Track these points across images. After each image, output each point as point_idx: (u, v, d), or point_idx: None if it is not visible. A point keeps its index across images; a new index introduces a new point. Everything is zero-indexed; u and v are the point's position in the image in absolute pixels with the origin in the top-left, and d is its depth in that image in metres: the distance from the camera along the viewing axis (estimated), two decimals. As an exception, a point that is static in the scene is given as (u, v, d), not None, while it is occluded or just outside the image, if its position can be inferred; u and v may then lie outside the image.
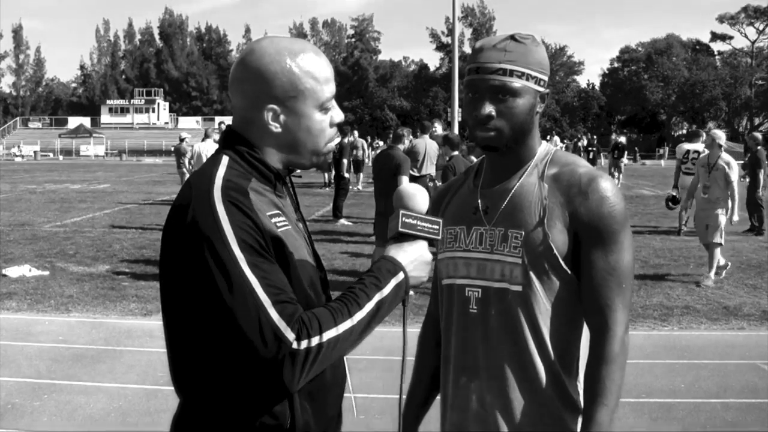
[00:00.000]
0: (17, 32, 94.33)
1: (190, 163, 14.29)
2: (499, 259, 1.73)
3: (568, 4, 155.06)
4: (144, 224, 13.80)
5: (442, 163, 9.60)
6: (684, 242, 11.26)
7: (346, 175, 15.33)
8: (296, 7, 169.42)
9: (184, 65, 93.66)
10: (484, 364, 1.76)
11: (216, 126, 18.18)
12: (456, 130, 22.59)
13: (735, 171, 8.37)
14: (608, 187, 1.70)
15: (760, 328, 6.66)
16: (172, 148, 23.86)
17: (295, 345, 1.37)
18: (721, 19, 77.46)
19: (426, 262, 1.57)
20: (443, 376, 1.88)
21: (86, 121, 72.38)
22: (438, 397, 1.95)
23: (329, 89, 1.57)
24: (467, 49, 75.80)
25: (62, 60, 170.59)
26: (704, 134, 13.68)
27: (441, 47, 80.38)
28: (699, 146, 12.67)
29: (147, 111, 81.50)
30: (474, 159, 9.09)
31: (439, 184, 9.87)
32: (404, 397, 1.62)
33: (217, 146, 1.65)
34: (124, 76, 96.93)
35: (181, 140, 16.71)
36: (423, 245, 1.57)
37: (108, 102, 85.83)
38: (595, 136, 35.73)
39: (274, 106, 1.52)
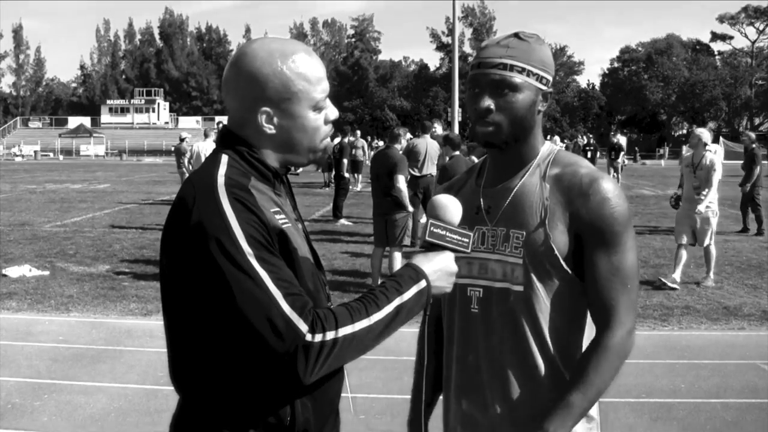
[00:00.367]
0: (17, 32, 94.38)
1: (189, 162, 14.29)
2: (500, 259, 1.73)
3: (568, 4, 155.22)
4: (144, 224, 13.80)
5: (442, 163, 9.60)
6: (684, 242, 11.25)
7: (346, 175, 15.33)
8: (296, 7, 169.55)
9: (184, 65, 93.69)
10: (485, 364, 1.76)
11: (216, 126, 18.19)
12: (456, 130, 22.61)
13: (718, 171, 8.15)
14: (610, 188, 1.69)
15: (760, 328, 6.66)
16: (173, 148, 23.86)
17: (309, 337, 1.37)
18: (721, 19, 77.53)
19: (450, 273, 1.56)
20: (446, 376, 1.88)
21: (86, 121, 72.40)
22: (440, 397, 1.96)
23: (322, 89, 1.57)
24: (467, 49, 76.05)
25: (62, 60, 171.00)
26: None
27: (441, 47, 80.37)
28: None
29: (147, 111, 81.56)
30: (475, 159, 9.10)
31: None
32: (424, 398, 1.62)
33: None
34: (124, 76, 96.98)
35: (182, 140, 16.71)
36: (449, 256, 1.57)
37: (108, 102, 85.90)
38: (591, 136, 35.64)
39: (268, 109, 1.53)
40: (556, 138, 31.53)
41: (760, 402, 4.81)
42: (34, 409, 4.61)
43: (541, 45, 1.76)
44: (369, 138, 36.83)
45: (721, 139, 44.94)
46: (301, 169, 29.27)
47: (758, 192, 13.01)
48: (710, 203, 8.13)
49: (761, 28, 76.72)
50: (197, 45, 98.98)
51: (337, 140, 18.40)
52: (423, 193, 10.13)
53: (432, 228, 1.56)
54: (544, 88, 1.75)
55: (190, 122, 73.25)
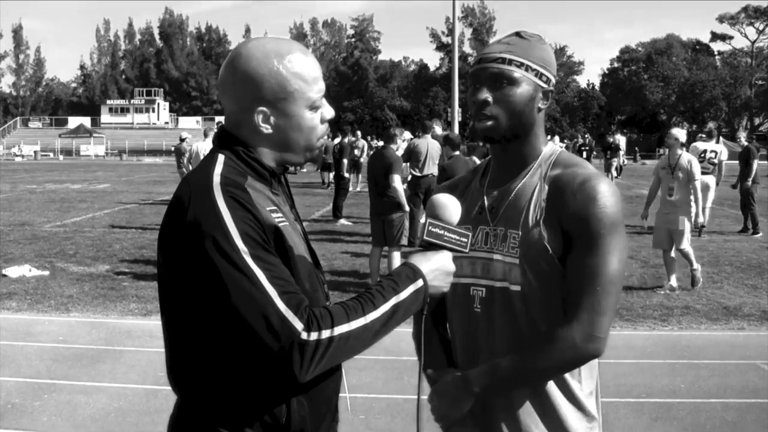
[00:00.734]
0: (17, 32, 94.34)
1: (189, 162, 14.30)
2: (499, 259, 1.74)
3: (568, 4, 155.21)
4: (144, 224, 13.79)
5: (441, 163, 9.60)
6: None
7: (346, 175, 15.33)
8: (296, 7, 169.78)
9: (184, 65, 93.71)
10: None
11: (215, 126, 18.20)
12: (456, 130, 22.61)
13: (697, 171, 7.97)
14: (601, 189, 1.66)
15: (760, 328, 6.66)
16: (173, 148, 23.86)
17: (304, 335, 1.37)
18: (721, 19, 77.46)
19: (447, 273, 1.57)
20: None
21: (86, 121, 72.38)
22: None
23: (318, 88, 1.57)
24: (467, 49, 76.04)
25: (62, 60, 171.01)
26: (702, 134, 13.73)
27: (441, 47, 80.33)
28: (715, 145, 12.72)
29: (147, 111, 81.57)
30: (476, 159, 9.09)
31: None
32: (423, 397, 1.62)
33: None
34: (124, 76, 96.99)
35: (182, 140, 16.71)
36: (446, 256, 1.57)
37: (108, 102, 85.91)
38: (588, 136, 35.55)
39: (264, 109, 1.53)
40: (556, 138, 31.54)
41: (760, 402, 4.81)
42: (34, 409, 4.61)
43: (543, 44, 1.77)
44: (369, 138, 36.80)
45: (721, 139, 44.96)
46: (305, 169, 29.32)
47: (755, 189, 13.01)
48: (687, 208, 7.90)
49: (761, 28, 76.69)
50: (197, 45, 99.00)
51: (337, 140, 18.41)
52: (424, 193, 10.12)
53: (430, 227, 1.56)
54: (544, 85, 1.75)
55: (190, 122, 73.24)
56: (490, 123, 1.72)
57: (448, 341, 1.91)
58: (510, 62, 1.71)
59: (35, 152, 58.16)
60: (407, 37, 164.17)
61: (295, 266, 1.50)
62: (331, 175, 18.99)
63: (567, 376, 1.72)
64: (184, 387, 1.54)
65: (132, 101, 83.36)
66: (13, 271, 8.70)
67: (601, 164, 26.29)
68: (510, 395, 1.73)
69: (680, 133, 8.31)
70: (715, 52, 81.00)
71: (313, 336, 1.38)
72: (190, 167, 13.84)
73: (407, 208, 7.97)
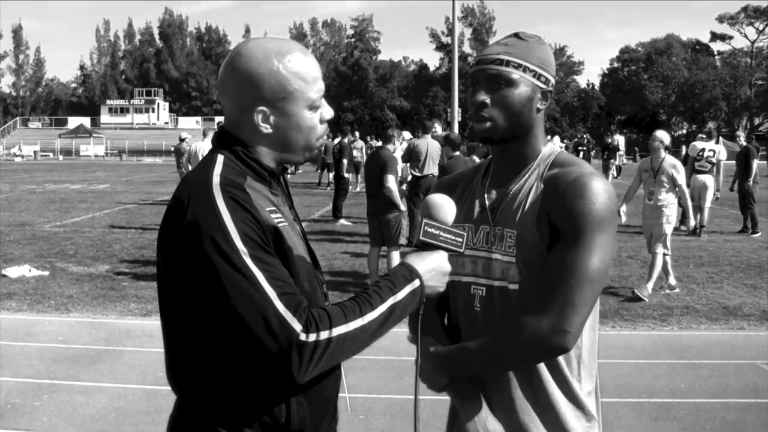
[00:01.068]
0: (17, 32, 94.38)
1: (188, 161, 14.30)
2: (498, 258, 1.75)
3: (568, 4, 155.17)
4: (144, 224, 13.80)
5: (441, 163, 9.60)
6: (683, 242, 11.26)
7: (346, 175, 15.34)
8: (296, 7, 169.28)
9: (184, 65, 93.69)
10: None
11: (215, 126, 18.20)
12: (456, 130, 22.60)
13: (682, 173, 7.81)
14: (592, 186, 1.64)
15: (760, 328, 6.66)
16: (172, 148, 23.85)
17: (303, 336, 1.38)
18: (720, 19, 77.49)
19: (443, 273, 1.57)
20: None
21: (86, 121, 72.44)
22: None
23: (318, 88, 1.58)
24: (467, 49, 76.06)
25: (62, 60, 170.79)
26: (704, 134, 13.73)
27: (441, 47, 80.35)
28: (714, 145, 12.73)
29: (147, 111, 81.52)
30: (476, 159, 9.10)
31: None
32: (420, 397, 1.62)
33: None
34: (123, 76, 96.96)
35: (181, 140, 16.70)
36: (442, 256, 1.57)
37: (108, 102, 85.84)
38: (587, 135, 35.50)
39: (264, 108, 1.53)
40: (556, 138, 31.52)
41: (760, 402, 4.81)
42: (34, 409, 4.61)
43: (542, 45, 1.77)
44: (368, 138, 36.78)
45: (720, 138, 44.95)
46: (300, 170, 29.31)
47: (755, 189, 13.01)
48: (668, 211, 7.67)
49: (761, 28, 76.72)
50: (197, 45, 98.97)
51: (337, 140, 18.42)
52: (425, 194, 10.12)
53: (426, 227, 1.56)
54: (542, 86, 1.75)
55: (189, 122, 73.21)
56: (488, 124, 1.73)
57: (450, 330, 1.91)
58: (508, 63, 1.71)
59: (35, 152, 58.18)
60: (407, 37, 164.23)
61: (294, 267, 1.50)
62: (331, 175, 19.00)
63: (567, 374, 1.72)
64: (183, 387, 1.54)
65: (132, 101, 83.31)
66: (13, 272, 8.70)
67: (600, 165, 26.27)
68: (510, 396, 1.73)
69: (664, 136, 8.09)
70: (715, 52, 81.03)
71: (312, 337, 1.38)
72: (189, 167, 13.86)
73: (403, 208, 7.96)
